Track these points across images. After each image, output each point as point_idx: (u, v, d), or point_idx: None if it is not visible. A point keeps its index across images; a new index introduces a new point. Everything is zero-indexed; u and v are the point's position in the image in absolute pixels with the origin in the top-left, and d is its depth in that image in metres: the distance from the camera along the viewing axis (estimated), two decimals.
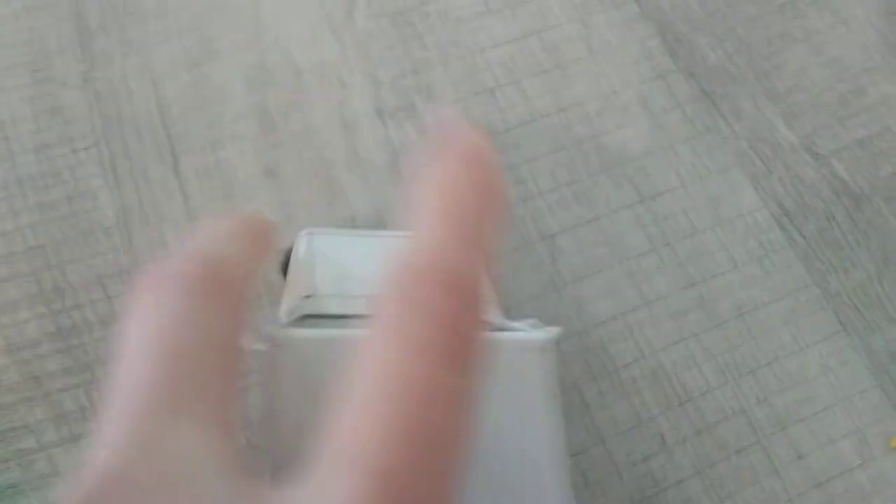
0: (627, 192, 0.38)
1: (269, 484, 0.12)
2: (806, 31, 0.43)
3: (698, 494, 0.32)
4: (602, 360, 0.34)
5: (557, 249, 0.36)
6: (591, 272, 0.36)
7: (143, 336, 0.14)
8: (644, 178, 0.38)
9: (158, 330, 0.14)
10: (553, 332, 0.17)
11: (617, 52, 0.41)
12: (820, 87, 0.41)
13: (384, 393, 0.11)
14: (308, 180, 0.37)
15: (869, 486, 0.33)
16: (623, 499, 0.32)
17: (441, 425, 0.11)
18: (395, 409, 0.11)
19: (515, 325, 0.19)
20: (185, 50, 0.40)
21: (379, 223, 0.36)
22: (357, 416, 0.11)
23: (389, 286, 0.12)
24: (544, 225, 0.37)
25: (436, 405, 0.11)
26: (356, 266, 0.22)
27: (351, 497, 0.10)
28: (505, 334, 0.17)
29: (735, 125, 0.40)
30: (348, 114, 0.39)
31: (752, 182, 0.38)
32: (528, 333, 0.18)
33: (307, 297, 0.21)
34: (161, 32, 0.40)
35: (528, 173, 0.38)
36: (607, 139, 0.39)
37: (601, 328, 0.35)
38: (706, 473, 0.33)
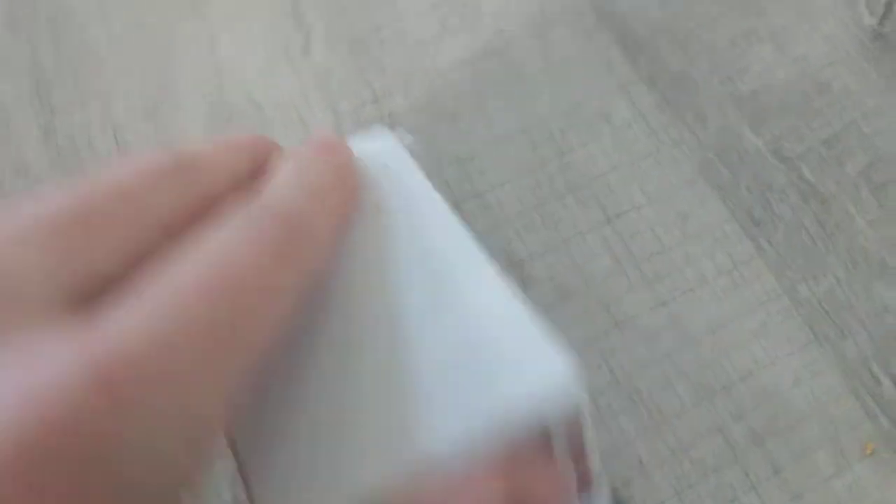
0: (594, 213, 0.38)
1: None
2: (770, 29, 0.42)
3: None
4: None
5: (527, 277, 0.36)
6: (561, 298, 0.36)
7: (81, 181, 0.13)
8: (609, 196, 0.38)
9: (94, 177, 0.13)
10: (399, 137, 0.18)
11: (577, 65, 0.41)
12: (785, 87, 0.41)
13: (206, 264, 0.12)
14: None
15: (845, 495, 0.33)
16: None
17: (243, 317, 0.12)
18: (206, 275, 0.12)
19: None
20: (144, 93, 0.40)
21: None
22: (173, 275, 0.12)
23: (239, 213, 0.14)
24: (513, 252, 0.37)
25: (250, 294, 0.12)
26: None
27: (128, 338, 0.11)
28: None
29: (700, 134, 0.40)
30: None
31: (719, 193, 0.38)
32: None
33: None
34: (118, 76, 0.40)
35: (494, 200, 0.38)
36: (572, 157, 0.39)
37: (575, 356, 0.35)
38: (685, 494, 0.33)
